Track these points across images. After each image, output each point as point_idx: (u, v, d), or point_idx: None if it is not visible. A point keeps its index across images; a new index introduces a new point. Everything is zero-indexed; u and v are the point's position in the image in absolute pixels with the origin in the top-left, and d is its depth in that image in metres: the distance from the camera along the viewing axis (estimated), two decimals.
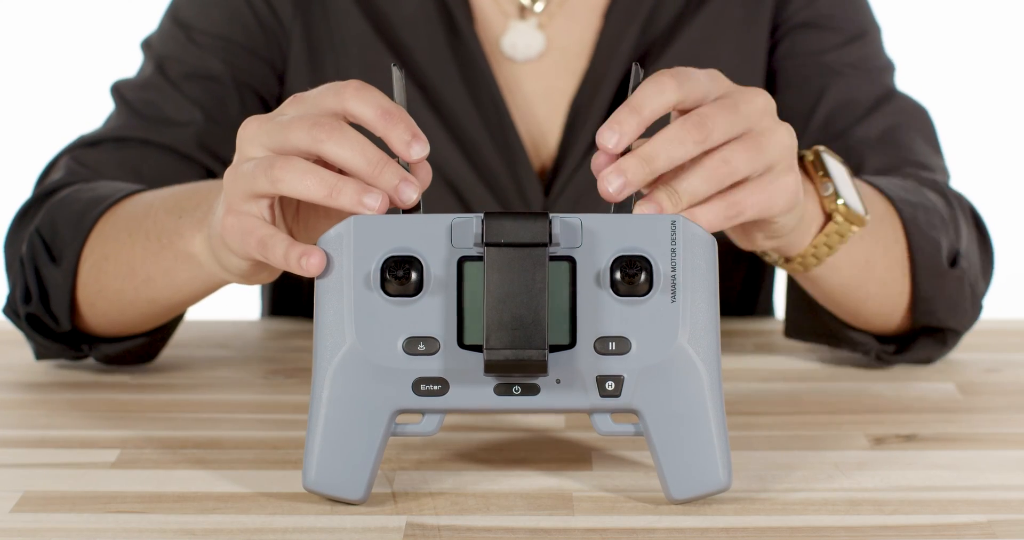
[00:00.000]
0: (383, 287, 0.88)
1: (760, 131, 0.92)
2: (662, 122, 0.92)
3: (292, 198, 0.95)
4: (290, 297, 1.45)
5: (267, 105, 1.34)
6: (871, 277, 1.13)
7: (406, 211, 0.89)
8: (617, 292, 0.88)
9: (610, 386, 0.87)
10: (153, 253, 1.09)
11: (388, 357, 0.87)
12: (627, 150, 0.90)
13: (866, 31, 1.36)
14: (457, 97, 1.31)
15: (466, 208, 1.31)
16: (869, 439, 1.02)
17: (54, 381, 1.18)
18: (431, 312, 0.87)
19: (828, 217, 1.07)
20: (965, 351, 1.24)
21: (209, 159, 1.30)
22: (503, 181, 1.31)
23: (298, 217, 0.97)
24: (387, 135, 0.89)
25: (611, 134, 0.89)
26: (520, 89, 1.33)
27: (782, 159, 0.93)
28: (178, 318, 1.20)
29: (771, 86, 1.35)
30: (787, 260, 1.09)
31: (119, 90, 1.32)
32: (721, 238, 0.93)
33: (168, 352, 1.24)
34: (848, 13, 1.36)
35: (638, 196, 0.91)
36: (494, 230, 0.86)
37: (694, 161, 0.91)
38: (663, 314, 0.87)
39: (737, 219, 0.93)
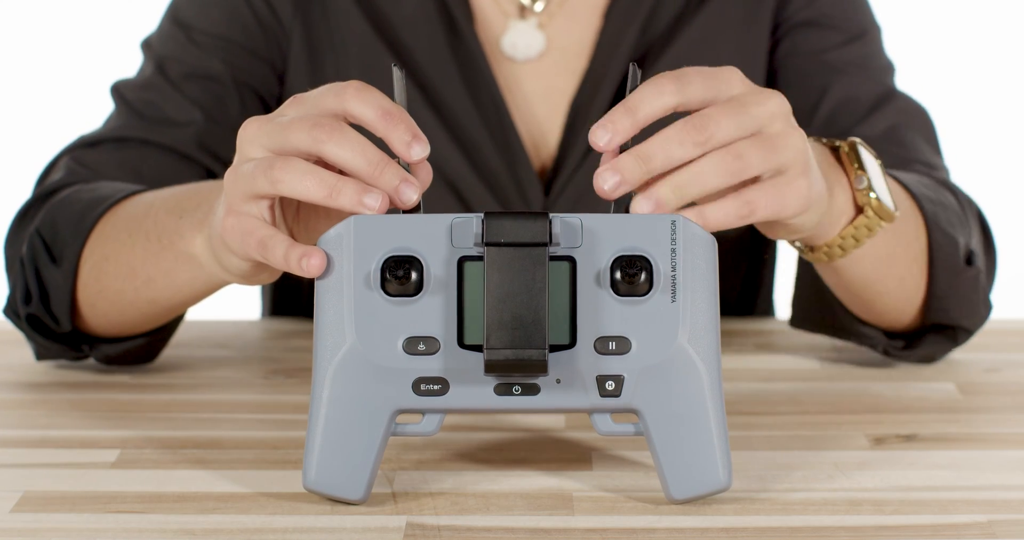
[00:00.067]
0: (383, 287, 0.88)
1: (773, 133, 0.91)
2: (665, 122, 0.92)
3: (292, 199, 0.95)
4: (290, 297, 1.45)
5: (267, 105, 1.34)
6: (891, 272, 1.13)
7: (406, 211, 0.89)
8: (617, 292, 0.88)
9: (610, 386, 0.87)
10: (153, 254, 1.09)
11: (388, 357, 0.87)
12: (626, 148, 0.90)
13: (866, 30, 1.36)
14: (457, 97, 1.31)
15: (466, 208, 1.31)
16: (869, 439, 1.02)
17: (54, 381, 1.18)
18: (431, 312, 0.87)
19: (859, 210, 1.06)
20: (965, 351, 1.24)
21: (209, 159, 1.30)
22: (503, 181, 1.31)
23: (298, 218, 0.97)
24: (387, 136, 0.89)
25: (603, 132, 0.89)
26: (520, 89, 1.33)
27: (795, 163, 0.92)
28: (178, 318, 1.20)
29: (772, 85, 1.35)
30: (812, 249, 1.08)
31: (119, 90, 1.32)
32: (721, 238, 0.92)
33: (168, 352, 1.24)
34: (848, 12, 1.36)
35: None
36: (494, 230, 0.86)
37: (704, 156, 0.90)
38: (663, 314, 0.87)
39: (749, 218, 0.92)
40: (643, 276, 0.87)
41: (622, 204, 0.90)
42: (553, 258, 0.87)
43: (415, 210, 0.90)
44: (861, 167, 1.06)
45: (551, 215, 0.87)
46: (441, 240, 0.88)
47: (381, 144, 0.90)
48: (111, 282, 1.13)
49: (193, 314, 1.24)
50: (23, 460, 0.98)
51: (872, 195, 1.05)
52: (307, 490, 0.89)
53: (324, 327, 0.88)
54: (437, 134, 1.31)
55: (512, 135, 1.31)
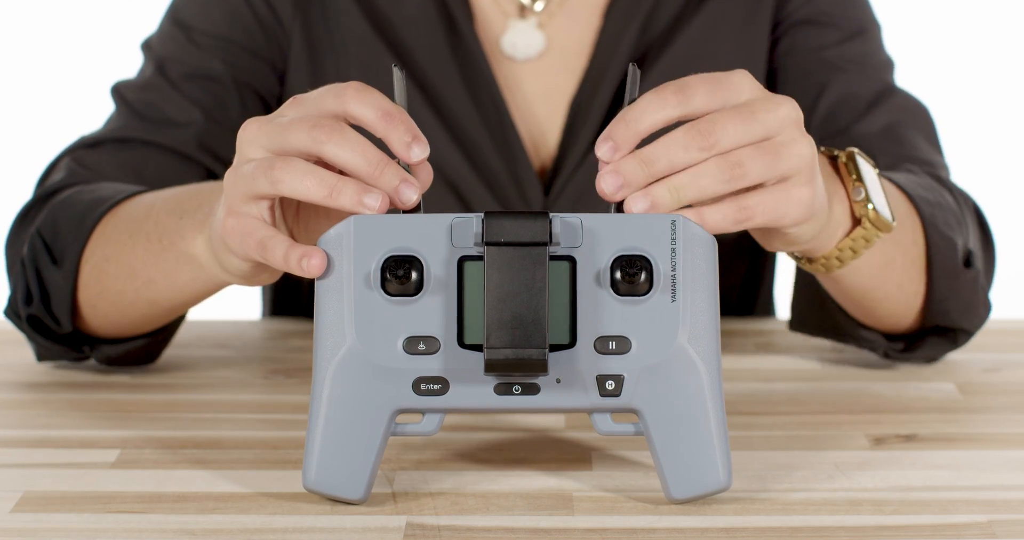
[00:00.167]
0: (383, 287, 0.88)
1: (780, 141, 0.91)
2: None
3: (292, 199, 0.95)
4: (290, 297, 1.45)
5: (267, 105, 1.34)
6: (889, 278, 1.13)
7: (406, 211, 0.89)
8: (617, 292, 0.88)
9: (610, 386, 0.87)
10: (154, 254, 1.09)
11: (388, 357, 0.87)
12: None
13: (866, 28, 1.36)
14: (457, 97, 1.31)
15: (466, 208, 1.31)
16: (869, 439, 1.02)
17: (54, 381, 1.18)
18: (431, 312, 0.87)
19: (856, 221, 1.06)
20: (965, 351, 1.24)
21: (210, 160, 1.30)
22: (503, 181, 1.31)
23: (298, 218, 0.97)
24: (387, 137, 0.89)
25: (607, 146, 0.89)
26: (520, 88, 1.33)
27: (800, 171, 0.91)
28: (179, 319, 1.20)
29: (772, 84, 1.35)
30: (810, 261, 1.08)
31: (119, 91, 1.32)
32: (721, 238, 0.92)
33: (168, 352, 1.24)
34: (848, 10, 1.36)
35: None
36: (494, 229, 0.86)
37: (706, 161, 0.90)
38: (663, 314, 0.87)
39: (745, 224, 0.92)
40: (643, 276, 0.87)
41: (622, 203, 0.90)
42: (553, 258, 0.87)
43: (415, 210, 0.90)
44: (859, 178, 1.05)
45: (551, 215, 0.87)
46: (441, 240, 0.88)
47: (381, 145, 0.90)
48: (112, 283, 1.13)
49: (193, 314, 1.24)
50: (23, 460, 0.98)
51: (870, 206, 1.04)
52: (307, 490, 0.89)
53: (324, 327, 0.88)
54: (437, 134, 1.31)
55: (512, 135, 1.31)
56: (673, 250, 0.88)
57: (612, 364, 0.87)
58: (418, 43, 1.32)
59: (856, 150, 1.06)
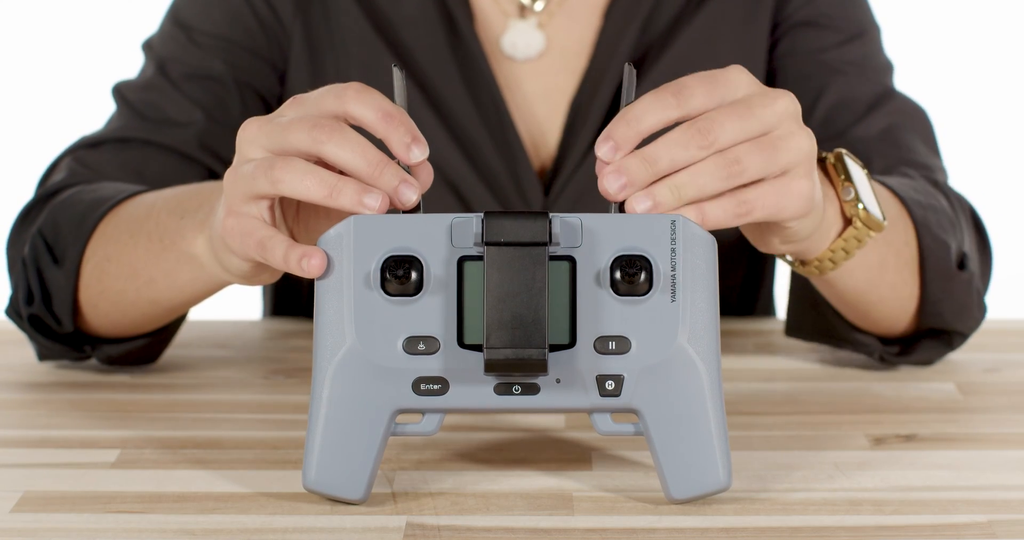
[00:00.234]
0: (383, 287, 0.88)
1: (778, 135, 0.91)
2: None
3: (292, 199, 0.95)
4: (290, 297, 1.45)
5: (268, 105, 1.34)
6: (883, 279, 1.13)
7: (406, 211, 0.89)
8: (617, 292, 0.88)
9: (610, 386, 0.87)
10: (155, 254, 1.09)
11: (388, 357, 0.87)
12: None
13: (865, 30, 1.36)
14: (457, 97, 1.31)
15: (466, 208, 1.31)
16: (869, 439, 1.02)
17: (55, 381, 1.18)
18: (431, 312, 0.88)
19: (847, 222, 1.06)
20: (965, 351, 1.24)
21: (211, 159, 1.30)
22: (503, 181, 1.31)
23: (298, 218, 0.97)
24: (387, 137, 0.89)
25: (608, 146, 0.89)
26: (520, 88, 1.33)
27: (799, 164, 0.92)
28: (180, 319, 1.20)
29: (771, 84, 1.35)
30: (803, 263, 1.08)
31: (120, 91, 1.32)
32: (722, 238, 0.92)
33: (169, 352, 1.24)
34: (848, 12, 1.36)
35: None
36: (494, 229, 0.86)
37: (705, 159, 0.90)
38: (663, 314, 0.87)
39: (745, 218, 0.92)
40: (643, 276, 0.87)
41: (623, 203, 0.90)
42: (553, 258, 0.88)
43: (415, 210, 0.90)
44: (848, 178, 1.05)
45: (551, 215, 0.87)
46: (441, 240, 0.88)
47: (381, 145, 0.90)
48: (113, 283, 1.13)
49: (194, 314, 1.25)
50: (23, 460, 0.98)
51: (860, 206, 1.04)
52: (307, 490, 0.89)
53: (324, 327, 0.88)
54: (437, 134, 1.31)
55: (512, 135, 1.31)
56: (673, 250, 0.88)
57: (612, 364, 0.87)
58: (418, 43, 1.32)
59: (844, 151, 1.06)
